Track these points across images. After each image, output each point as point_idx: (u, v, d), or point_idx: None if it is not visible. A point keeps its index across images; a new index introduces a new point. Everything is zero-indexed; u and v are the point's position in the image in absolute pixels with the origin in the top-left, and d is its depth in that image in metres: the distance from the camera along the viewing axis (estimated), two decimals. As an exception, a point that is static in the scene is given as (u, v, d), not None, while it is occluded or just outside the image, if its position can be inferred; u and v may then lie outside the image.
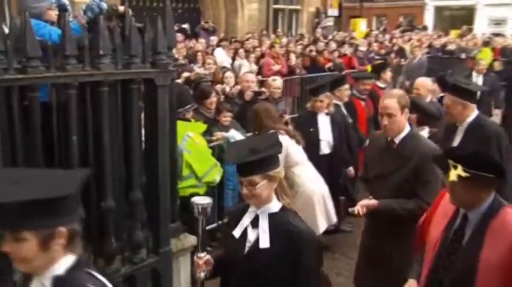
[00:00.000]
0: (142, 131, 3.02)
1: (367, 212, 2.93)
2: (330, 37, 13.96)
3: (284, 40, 12.55)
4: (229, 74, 6.36)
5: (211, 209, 2.25)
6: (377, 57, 10.93)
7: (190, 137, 3.85)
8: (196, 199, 2.23)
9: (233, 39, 11.58)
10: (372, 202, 2.94)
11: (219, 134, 4.62)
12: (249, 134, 4.59)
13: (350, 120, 5.27)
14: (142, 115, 3.01)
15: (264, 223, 2.06)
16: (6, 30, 2.53)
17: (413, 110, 4.34)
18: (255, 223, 2.09)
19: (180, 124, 3.45)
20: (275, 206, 2.09)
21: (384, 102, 2.94)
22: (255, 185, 2.00)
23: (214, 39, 11.24)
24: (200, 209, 2.18)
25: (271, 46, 10.24)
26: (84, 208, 2.48)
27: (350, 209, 2.97)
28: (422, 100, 4.60)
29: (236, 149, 2.12)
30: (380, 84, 6.22)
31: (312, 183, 4.27)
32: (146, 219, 3.05)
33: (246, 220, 2.12)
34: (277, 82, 5.73)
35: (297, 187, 4.18)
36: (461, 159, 2.01)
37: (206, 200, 2.21)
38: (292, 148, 4.22)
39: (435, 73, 6.73)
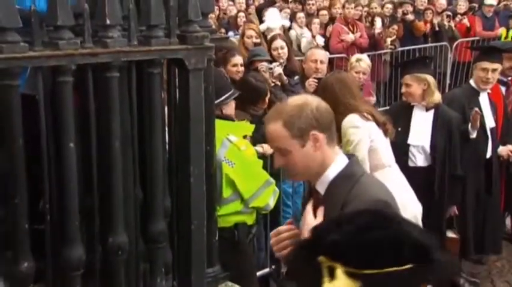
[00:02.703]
0: (166, 135, 2.95)
1: None
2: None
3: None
4: (279, 43, 5.82)
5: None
6: None
7: (233, 142, 3.71)
8: None
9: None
10: None
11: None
12: None
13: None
14: (166, 111, 2.96)
15: None
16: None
17: None
18: None
19: (216, 123, 3.32)
20: None
21: (266, 130, 2.33)
22: None
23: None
24: None
25: (344, 6, 9.44)
26: (86, 243, 2.56)
27: None
28: None
29: None
30: None
31: (402, 196, 3.94)
32: (171, 261, 2.97)
33: None
34: (363, 64, 5.43)
35: None
36: (335, 248, 1.36)
37: None
38: (380, 142, 3.97)
39: None
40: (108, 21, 2.50)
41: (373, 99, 5.12)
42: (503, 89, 5.16)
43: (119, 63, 2.58)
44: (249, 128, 4.02)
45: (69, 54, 2.42)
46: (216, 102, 3.75)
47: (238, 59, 5.33)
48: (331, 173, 2.24)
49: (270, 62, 5.48)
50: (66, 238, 2.52)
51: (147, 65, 2.72)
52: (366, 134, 3.90)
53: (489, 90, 4.93)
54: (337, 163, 2.26)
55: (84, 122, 2.63)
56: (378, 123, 3.97)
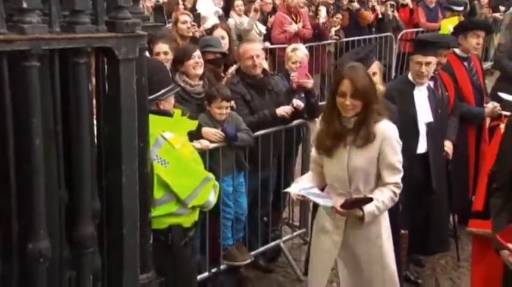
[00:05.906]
0: (95, 130, 2.85)
1: None
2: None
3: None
4: (220, 33, 5.82)
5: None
6: (456, 8, 9.89)
7: (167, 139, 3.57)
8: None
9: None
10: None
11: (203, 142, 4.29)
12: None
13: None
14: (95, 104, 2.85)
15: None
16: None
17: None
18: None
19: (151, 119, 3.22)
20: None
21: None
22: None
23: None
24: None
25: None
26: (2, 253, 2.43)
27: None
28: None
29: None
30: (459, 52, 5.74)
31: None
32: (101, 268, 2.86)
33: None
34: (300, 53, 5.33)
35: None
36: None
37: None
38: None
39: None
40: (25, 5, 2.36)
41: (311, 81, 5.08)
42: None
43: (38, 51, 2.45)
44: (191, 124, 3.87)
45: (-21, 41, 2.27)
46: (154, 96, 3.63)
47: (161, 47, 5.12)
48: None
49: (223, 54, 5.32)
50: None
51: (71, 54, 2.60)
52: None
53: (427, 84, 4.95)
54: None
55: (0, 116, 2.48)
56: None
